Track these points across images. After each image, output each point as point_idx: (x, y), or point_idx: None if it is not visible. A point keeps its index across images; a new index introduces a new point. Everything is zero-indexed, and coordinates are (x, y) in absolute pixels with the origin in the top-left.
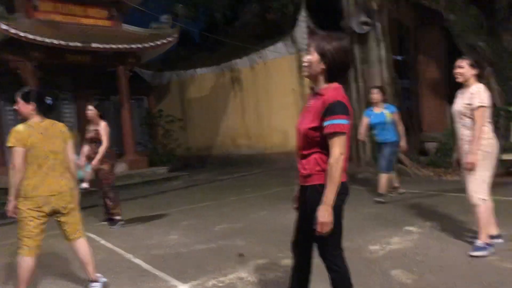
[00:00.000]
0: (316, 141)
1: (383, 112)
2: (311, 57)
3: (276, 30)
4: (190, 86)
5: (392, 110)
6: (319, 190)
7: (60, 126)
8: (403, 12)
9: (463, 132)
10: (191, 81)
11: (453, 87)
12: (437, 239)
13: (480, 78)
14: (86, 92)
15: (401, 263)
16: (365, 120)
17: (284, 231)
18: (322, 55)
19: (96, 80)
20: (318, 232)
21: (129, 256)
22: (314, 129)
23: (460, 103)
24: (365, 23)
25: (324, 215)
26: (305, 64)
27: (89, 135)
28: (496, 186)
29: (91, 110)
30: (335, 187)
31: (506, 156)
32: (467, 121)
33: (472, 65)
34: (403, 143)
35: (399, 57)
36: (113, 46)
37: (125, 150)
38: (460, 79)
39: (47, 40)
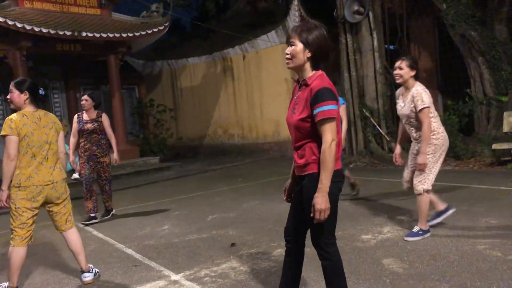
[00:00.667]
0: (308, 131)
1: None
2: (295, 47)
3: (268, 19)
4: (181, 75)
5: (340, 102)
6: (317, 178)
7: (52, 117)
8: (395, 1)
9: (416, 132)
10: (182, 70)
11: (445, 76)
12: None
13: (417, 77)
14: (76, 81)
15: (392, 252)
16: None
17: (276, 220)
18: (307, 44)
19: (86, 70)
20: (316, 219)
21: (121, 246)
22: (304, 119)
23: (406, 107)
24: (358, 12)
25: (321, 202)
26: (289, 56)
27: (88, 126)
28: (488, 175)
29: (86, 100)
30: (330, 173)
31: (498, 146)
32: (414, 122)
33: (411, 66)
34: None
35: (391, 47)
36: (103, 35)
37: (116, 140)
38: (399, 80)
39: (36, 28)
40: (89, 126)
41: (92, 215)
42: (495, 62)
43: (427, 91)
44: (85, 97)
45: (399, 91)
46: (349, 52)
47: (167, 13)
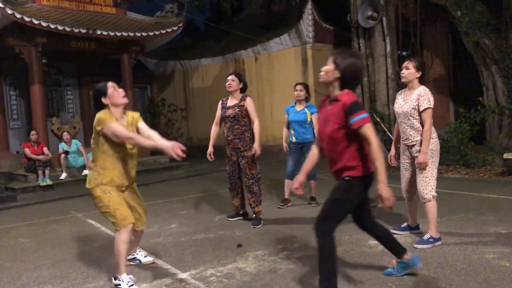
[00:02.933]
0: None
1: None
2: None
3: (281, 22)
4: (193, 75)
5: (313, 110)
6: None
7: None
8: (409, 7)
9: (410, 132)
10: (194, 70)
11: (457, 84)
12: None
13: (422, 80)
14: (89, 79)
15: None
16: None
17: (283, 223)
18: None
19: (99, 67)
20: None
21: None
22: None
23: (407, 104)
24: (371, 17)
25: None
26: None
27: (229, 112)
28: (499, 184)
29: (233, 80)
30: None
31: (509, 155)
32: (414, 122)
33: (418, 68)
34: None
35: (404, 53)
36: (118, 33)
37: None
38: (404, 80)
39: (52, 26)
40: (230, 112)
41: (241, 212)
42: (509, 71)
43: (431, 94)
44: (232, 76)
45: (400, 92)
46: (361, 57)
47: (182, 13)
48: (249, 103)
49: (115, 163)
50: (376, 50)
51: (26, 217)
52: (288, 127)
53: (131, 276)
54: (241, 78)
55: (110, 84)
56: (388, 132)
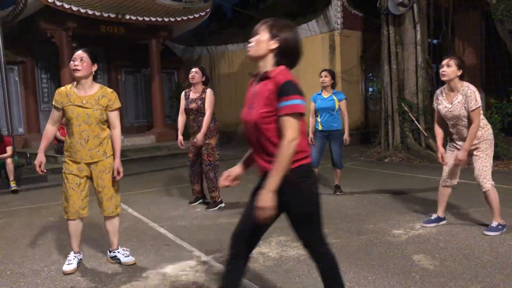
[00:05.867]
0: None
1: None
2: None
3: (309, 7)
4: (220, 61)
5: (341, 97)
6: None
7: None
8: None
9: (464, 133)
10: (221, 56)
11: (490, 74)
12: (462, 227)
13: (462, 78)
14: (118, 63)
15: (423, 248)
16: (312, 105)
17: None
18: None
19: (128, 52)
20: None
21: (154, 225)
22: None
23: (456, 108)
24: (402, 4)
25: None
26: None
27: (192, 105)
28: None
29: (197, 72)
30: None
31: None
32: (466, 122)
33: (459, 66)
34: (346, 135)
35: (434, 41)
36: (146, 18)
37: (154, 122)
38: (444, 78)
39: (82, 10)
40: (193, 105)
41: (199, 196)
42: None
43: (477, 90)
44: (195, 69)
45: (439, 91)
46: (391, 45)
47: None
48: (207, 95)
49: (71, 135)
50: (406, 38)
51: (56, 197)
52: (315, 116)
53: (76, 255)
54: (204, 71)
55: (74, 56)
56: (416, 122)
